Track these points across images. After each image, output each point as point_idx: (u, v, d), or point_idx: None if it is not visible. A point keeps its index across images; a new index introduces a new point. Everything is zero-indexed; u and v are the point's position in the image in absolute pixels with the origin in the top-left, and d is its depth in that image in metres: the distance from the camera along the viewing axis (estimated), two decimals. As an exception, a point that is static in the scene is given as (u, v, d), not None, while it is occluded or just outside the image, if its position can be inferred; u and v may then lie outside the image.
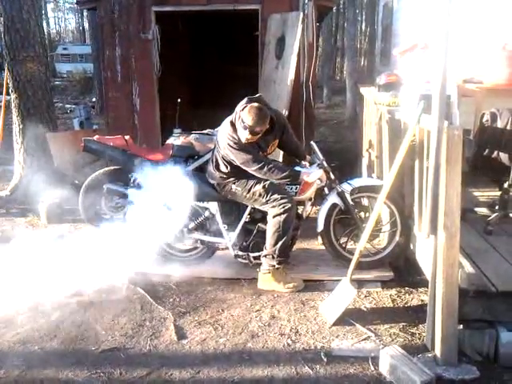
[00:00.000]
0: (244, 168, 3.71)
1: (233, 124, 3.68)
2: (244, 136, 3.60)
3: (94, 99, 14.98)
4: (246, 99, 3.67)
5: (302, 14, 5.88)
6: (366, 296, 3.69)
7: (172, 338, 3.21)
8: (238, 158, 3.68)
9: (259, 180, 3.74)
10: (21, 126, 6.03)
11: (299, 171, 3.81)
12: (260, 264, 3.88)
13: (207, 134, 5.08)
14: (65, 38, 48.09)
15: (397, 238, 3.93)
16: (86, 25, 33.12)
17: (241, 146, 3.64)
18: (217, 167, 3.87)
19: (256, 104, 3.59)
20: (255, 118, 3.52)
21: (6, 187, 6.37)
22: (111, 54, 6.60)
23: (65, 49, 31.68)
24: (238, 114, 3.63)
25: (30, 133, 5.97)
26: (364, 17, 23.44)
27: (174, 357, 3.01)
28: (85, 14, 29.70)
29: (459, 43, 3.97)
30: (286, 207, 3.70)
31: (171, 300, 3.69)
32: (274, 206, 3.73)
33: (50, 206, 5.45)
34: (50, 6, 40.97)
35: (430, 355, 2.85)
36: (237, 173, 3.77)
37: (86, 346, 3.12)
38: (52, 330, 3.26)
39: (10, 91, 6.07)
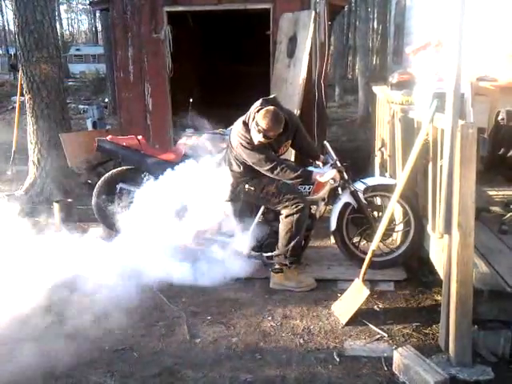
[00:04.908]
0: (256, 168, 3.71)
1: (246, 124, 3.67)
2: (257, 139, 3.59)
3: (106, 99, 15.07)
4: (260, 100, 3.65)
5: (313, 12, 5.86)
6: (378, 296, 3.67)
7: (185, 337, 3.22)
8: (251, 158, 3.67)
9: (272, 180, 3.73)
10: (35, 127, 6.08)
11: (311, 171, 3.80)
12: (273, 264, 3.87)
13: (219, 133, 5.08)
14: (78, 39, 48.46)
15: (410, 237, 3.90)
16: (99, 26, 33.38)
17: (253, 146, 3.64)
18: (230, 167, 3.87)
19: (272, 108, 3.57)
20: (270, 122, 3.50)
21: (20, 187, 6.43)
22: (123, 55, 6.63)
23: (78, 50, 31.97)
24: (252, 115, 3.62)
25: (43, 133, 6.03)
26: (376, 15, 23.29)
27: (186, 356, 3.02)
28: (97, 15, 29.94)
29: (473, 40, 3.92)
30: (299, 207, 3.69)
31: (184, 299, 3.70)
32: (286, 206, 3.73)
33: (64, 205, 5.49)
34: (63, 8, 41.34)
35: (443, 356, 2.83)
36: (250, 172, 3.77)
37: (99, 344, 3.13)
38: (65, 329, 3.27)
39: (24, 92, 6.13)
